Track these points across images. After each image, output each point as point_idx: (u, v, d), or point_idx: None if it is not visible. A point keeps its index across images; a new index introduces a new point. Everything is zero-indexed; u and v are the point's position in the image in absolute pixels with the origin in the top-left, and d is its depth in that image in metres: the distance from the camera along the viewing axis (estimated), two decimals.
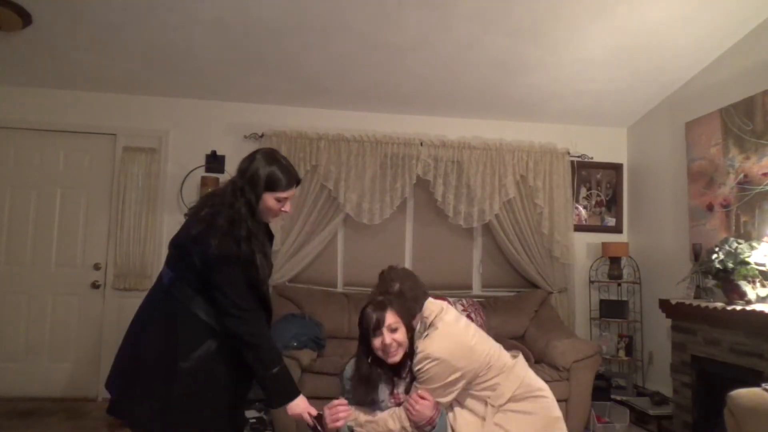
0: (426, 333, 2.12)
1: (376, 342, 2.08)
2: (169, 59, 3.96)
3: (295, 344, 3.49)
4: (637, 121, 4.82)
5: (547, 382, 3.48)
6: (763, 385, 2.31)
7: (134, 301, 4.37)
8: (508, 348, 2.34)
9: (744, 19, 3.47)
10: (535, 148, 4.73)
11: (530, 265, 4.62)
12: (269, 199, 2.01)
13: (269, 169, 2.03)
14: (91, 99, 4.43)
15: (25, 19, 3.40)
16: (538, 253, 4.63)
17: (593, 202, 4.93)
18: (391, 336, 2.07)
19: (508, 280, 4.72)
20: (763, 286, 3.16)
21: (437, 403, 2.03)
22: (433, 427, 2.00)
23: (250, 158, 2.10)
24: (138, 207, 4.37)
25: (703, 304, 3.32)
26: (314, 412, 1.99)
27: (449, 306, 2.23)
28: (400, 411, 2.06)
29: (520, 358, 2.28)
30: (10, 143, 4.37)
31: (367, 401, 2.13)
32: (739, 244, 3.26)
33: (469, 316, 4.04)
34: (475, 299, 4.43)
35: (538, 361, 3.80)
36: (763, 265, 3.19)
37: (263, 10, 3.37)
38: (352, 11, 3.38)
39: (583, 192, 4.92)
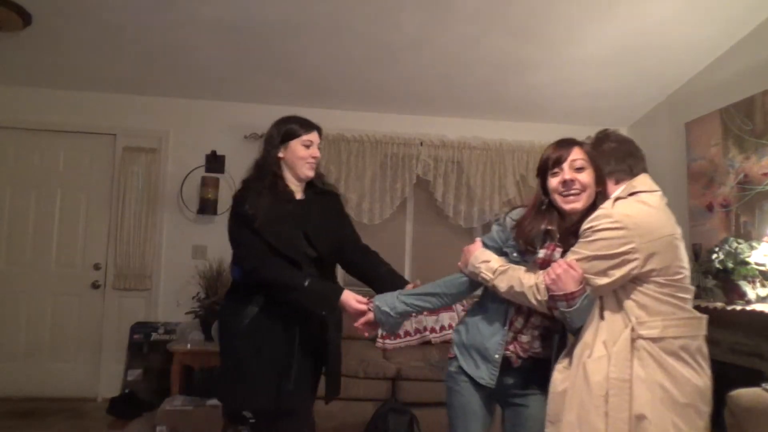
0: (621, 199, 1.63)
1: (553, 182, 1.73)
2: (169, 59, 3.96)
3: None
4: (637, 121, 4.82)
5: None
6: (763, 385, 2.31)
7: (134, 301, 4.46)
8: None
9: (744, 19, 3.47)
10: (535, 148, 4.73)
11: None
12: (294, 148, 2.08)
13: (281, 124, 2.12)
14: (91, 99, 4.43)
15: (25, 19, 3.40)
16: None
17: None
18: (574, 174, 1.69)
19: None
20: (763, 286, 3.15)
21: (585, 281, 1.58)
22: (570, 307, 1.59)
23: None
24: (138, 207, 4.37)
25: (703, 304, 3.31)
26: (363, 300, 1.98)
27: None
28: (536, 274, 1.68)
29: (705, 320, 1.74)
30: (10, 143, 4.37)
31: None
32: (739, 244, 3.25)
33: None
34: (476, 299, 4.42)
35: None
36: (763, 265, 3.18)
37: (263, 10, 3.37)
38: (352, 11, 3.38)
39: None
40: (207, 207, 4.40)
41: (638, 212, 1.55)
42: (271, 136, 2.10)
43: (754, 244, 3.27)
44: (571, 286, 1.57)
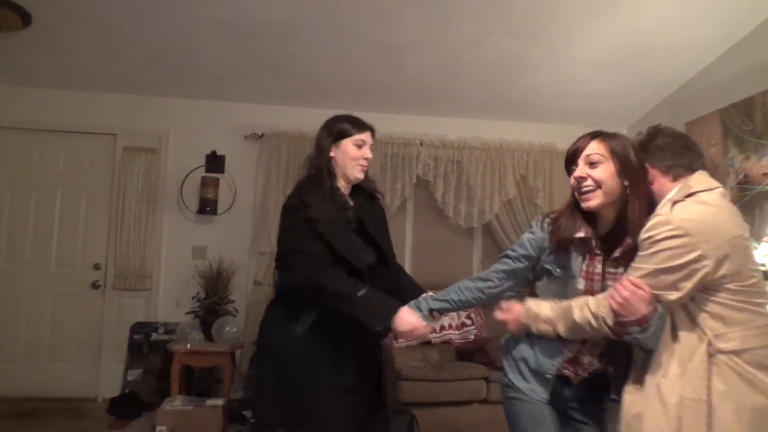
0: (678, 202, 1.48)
1: (571, 179, 1.64)
2: (169, 59, 3.95)
3: None
4: (637, 121, 4.82)
5: None
6: None
7: (134, 301, 4.46)
8: None
9: (744, 19, 3.47)
10: (535, 148, 4.73)
11: None
12: (346, 147, 1.99)
13: (333, 123, 2.03)
14: (91, 99, 4.43)
15: (25, 19, 3.40)
16: None
17: None
18: (587, 170, 1.59)
19: None
20: None
21: (654, 299, 1.41)
22: (644, 330, 1.43)
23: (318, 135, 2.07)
24: (138, 207, 4.36)
25: None
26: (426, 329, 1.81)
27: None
28: (595, 300, 1.51)
29: None
30: (10, 143, 4.37)
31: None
32: None
33: (469, 316, 4.02)
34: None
35: None
36: (763, 265, 3.18)
37: (263, 10, 3.37)
38: (352, 11, 3.38)
39: None
40: (207, 207, 4.40)
41: (700, 214, 1.41)
42: (321, 136, 2.02)
43: (755, 244, 3.27)
44: (642, 309, 1.40)
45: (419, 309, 1.81)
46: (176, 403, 3.50)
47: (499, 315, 1.71)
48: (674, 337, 1.43)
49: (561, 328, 1.57)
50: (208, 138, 4.55)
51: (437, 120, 4.75)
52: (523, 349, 1.72)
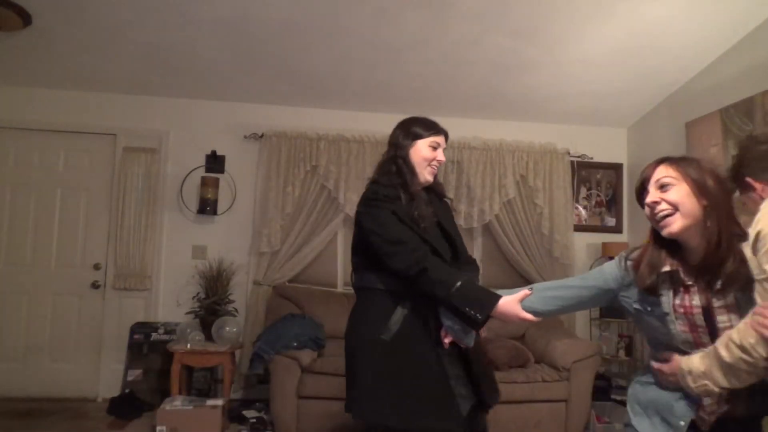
0: None
1: (645, 209, 1.50)
2: (169, 59, 3.96)
3: (295, 344, 3.49)
4: (637, 121, 4.82)
5: (546, 382, 3.53)
6: None
7: (134, 301, 4.46)
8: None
9: (744, 19, 3.47)
10: (535, 148, 4.73)
11: (530, 265, 4.62)
12: (421, 148, 2.02)
13: (406, 125, 2.08)
14: (91, 99, 4.43)
15: (25, 19, 3.40)
16: (538, 253, 4.63)
17: (593, 203, 4.93)
18: (659, 194, 1.45)
19: (508, 280, 4.72)
20: None
21: None
22: None
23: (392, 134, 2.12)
24: (138, 207, 4.37)
25: None
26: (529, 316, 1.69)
27: None
28: (735, 331, 1.31)
29: None
30: (10, 143, 4.37)
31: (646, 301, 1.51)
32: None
33: None
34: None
35: (538, 361, 3.80)
36: None
37: (263, 10, 3.37)
38: (352, 11, 3.38)
39: (583, 192, 4.92)
40: (207, 207, 4.40)
41: None
42: (397, 135, 2.06)
43: None
44: None
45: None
46: (176, 403, 3.50)
47: (655, 366, 1.51)
48: None
49: (719, 378, 1.32)
50: (208, 138, 4.56)
51: (437, 120, 4.74)
52: (655, 393, 1.54)
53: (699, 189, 1.44)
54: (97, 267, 4.39)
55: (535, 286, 1.73)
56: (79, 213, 4.43)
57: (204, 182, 4.42)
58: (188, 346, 3.86)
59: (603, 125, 4.89)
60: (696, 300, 1.43)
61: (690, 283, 1.45)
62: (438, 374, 1.87)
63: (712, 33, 3.59)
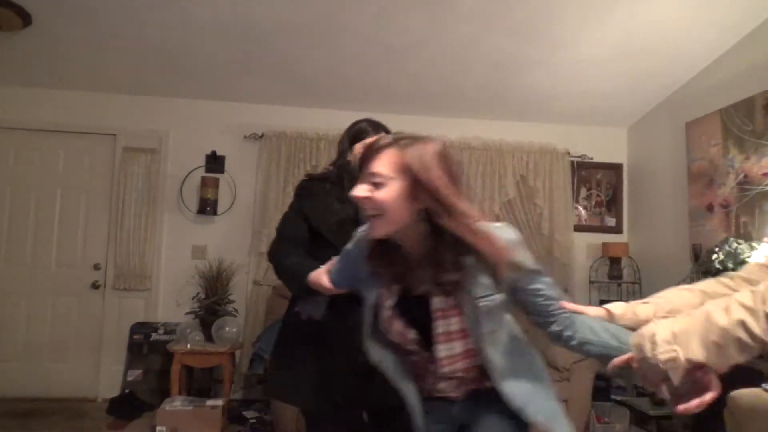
0: None
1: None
2: (169, 59, 3.96)
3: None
4: (637, 121, 4.82)
5: None
6: (763, 385, 2.31)
7: (134, 302, 4.46)
8: None
9: (744, 19, 3.47)
10: (535, 148, 4.73)
11: None
12: (359, 150, 2.03)
13: (353, 126, 2.17)
14: (91, 99, 4.43)
15: (25, 19, 3.40)
16: (538, 254, 4.63)
17: (593, 203, 4.93)
18: (369, 189, 1.26)
19: None
20: None
21: None
22: None
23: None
24: (138, 207, 4.36)
25: None
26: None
27: None
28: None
29: None
30: (10, 143, 4.37)
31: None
32: (739, 244, 3.25)
33: None
34: None
35: None
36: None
37: (263, 10, 3.37)
38: (352, 11, 3.38)
39: (583, 192, 4.92)
40: (207, 207, 4.40)
41: None
42: (341, 139, 2.14)
43: (754, 244, 3.27)
44: None
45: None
46: (176, 403, 3.50)
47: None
48: None
49: (695, 347, 1.07)
50: (208, 138, 4.55)
51: (437, 120, 4.75)
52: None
53: (426, 191, 1.24)
54: (97, 267, 4.39)
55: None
56: (79, 213, 4.43)
57: (204, 182, 4.42)
58: (188, 346, 3.86)
59: (603, 125, 4.89)
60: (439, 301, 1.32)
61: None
62: (328, 362, 1.87)
63: (712, 33, 3.59)
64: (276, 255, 2.02)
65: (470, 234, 1.23)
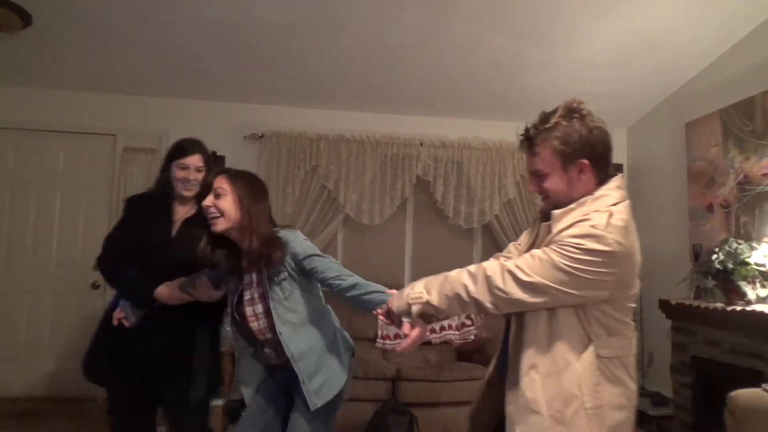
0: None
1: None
2: (169, 59, 3.96)
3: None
4: (637, 121, 4.82)
5: None
6: (763, 385, 2.31)
7: None
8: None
9: (744, 19, 3.47)
10: None
11: None
12: (174, 169, 2.25)
13: (174, 145, 2.34)
14: (91, 99, 4.43)
15: (25, 19, 3.40)
16: None
17: None
18: (216, 201, 1.85)
19: None
20: (763, 286, 3.15)
21: None
22: None
23: None
24: None
25: (703, 304, 3.32)
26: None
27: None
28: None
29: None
30: (10, 143, 4.37)
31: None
32: (739, 244, 3.25)
33: (468, 316, 4.04)
34: None
35: None
36: (763, 265, 3.18)
37: (263, 10, 3.37)
38: (352, 11, 3.38)
39: None
40: None
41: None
42: (165, 157, 2.32)
43: (754, 244, 3.27)
44: None
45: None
46: None
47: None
48: (552, 338, 1.45)
49: (434, 294, 1.55)
50: (208, 138, 4.44)
51: (437, 120, 4.75)
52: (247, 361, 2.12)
53: (253, 201, 1.89)
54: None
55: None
56: (79, 213, 4.42)
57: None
58: None
59: None
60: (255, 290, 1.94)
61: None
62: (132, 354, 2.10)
63: (712, 33, 3.59)
64: (110, 265, 2.19)
65: (266, 236, 1.86)
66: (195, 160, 2.28)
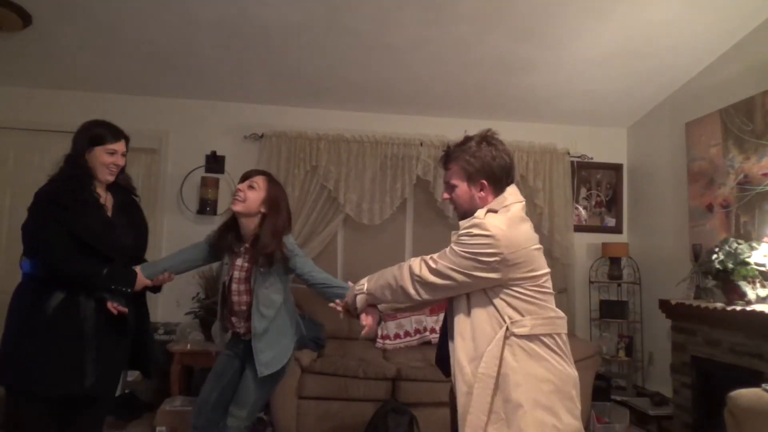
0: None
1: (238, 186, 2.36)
2: (169, 59, 3.96)
3: (294, 344, 3.49)
4: (637, 121, 4.82)
5: None
6: (763, 385, 2.31)
7: None
8: None
9: (744, 19, 3.47)
10: (535, 148, 4.73)
11: None
12: (99, 154, 2.31)
13: (91, 129, 2.34)
14: (91, 99, 4.43)
15: (25, 19, 3.40)
16: None
17: (593, 203, 4.93)
18: (246, 188, 2.31)
19: None
20: (763, 286, 3.15)
21: None
22: None
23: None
24: None
25: (703, 304, 3.32)
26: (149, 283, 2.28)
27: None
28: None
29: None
30: (10, 143, 4.37)
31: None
32: (739, 244, 3.25)
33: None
34: None
35: None
36: (763, 265, 3.18)
37: (263, 10, 3.37)
38: (352, 12, 3.38)
39: (583, 192, 4.92)
40: (207, 207, 4.40)
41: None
42: (77, 139, 2.33)
43: (754, 244, 3.27)
44: None
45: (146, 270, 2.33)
46: (176, 403, 3.50)
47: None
48: (473, 326, 1.73)
49: (371, 283, 1.95)
50: (208, 138, 4.55)
51: (437, 120, 4.75)
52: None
53: (271, 204, 2.32)
54: None
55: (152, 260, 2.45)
56: None
57: (204, 182, 4.42)
58: (188, 346, 3.86)
59: (603, 125, 4.89)
60: (241, 261, 2.37)
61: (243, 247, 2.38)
62: (74, 348, 2.10)
63: (712, 33, 3.59)
64: (76, 261, 2.18)
65: (272, 235, 2.28)
66: (122, 146, 2.40)
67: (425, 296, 1.77)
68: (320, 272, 2.33)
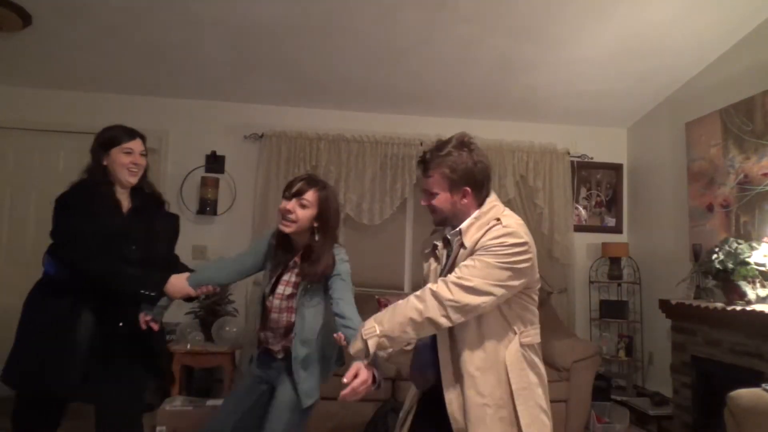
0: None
1: (281, 204, 2.05)
2: (169, 59, 3.96)
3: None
4: (637, 121, 4.82)
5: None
6: (763, 385, 2.31)
7: None
8: None
9: (744, 19, 3.47)
10: (535, 148, 4.73)
11: None
12: (116, 156, 2.23)
13: (104, 134, 2.32)
14: (91, 99, 4.43)
15: (25, 19, 3.40)
16: (538, 254, 4.62)
17: (593, 203, 4.93)
18: (297, 207, 2.02)
19: None
20: (763, 286, 3.15)
21: None
22: None
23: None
24: None
25: (703, 304, 3.32)
26: (192, 292, 2.10)
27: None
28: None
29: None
30: (10, 143, 4.37)
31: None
32: (739, 244, 3.25)
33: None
34: None
35: None
36: (763, 265, 3.18)
37: (263, 10, 3.37)
38: (352, 11, 3.38)
39: (583, 192, 4.92)
40: (207, 207, 4.40)
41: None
42: (93, 147, 2.30)
43: (754, 244, 3.27)
44: None
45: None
46: (176, 403, 3.50)
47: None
48: (482, 337, 1.70)
49: (385, 322, 1.69)
50: (208, 138, 4.55)
51: (437, 120, 4.75)
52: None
53: (324, 224, 2.07)
54: None
55: (197, 267, 2.28)
56: None
57: (204, 182, 4.42)
58: (188, 346, 3.86)
59: (603, 125, 4.89)
60: (291, 276, 2.11)
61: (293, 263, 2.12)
62: (63, 349, 2.13)
63: (712, 33, 3.59)
64: (100, 260, 2.10)
65: (325, 247, 2.06)
66: (138, 145, 2.29)
67: (458, 320, 1.64)
68: (348, 305, 1.99)
